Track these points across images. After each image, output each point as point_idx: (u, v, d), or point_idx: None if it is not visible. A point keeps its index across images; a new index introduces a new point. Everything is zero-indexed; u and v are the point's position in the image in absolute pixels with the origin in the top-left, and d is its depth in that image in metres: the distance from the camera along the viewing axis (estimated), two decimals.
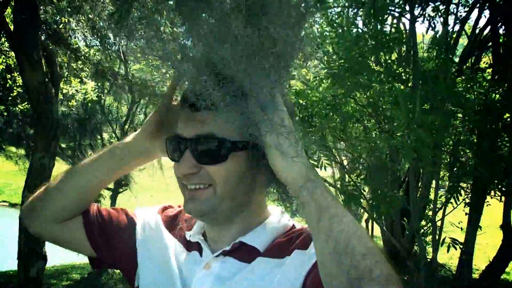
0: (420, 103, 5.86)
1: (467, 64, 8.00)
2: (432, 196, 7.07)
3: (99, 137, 11.56)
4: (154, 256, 1.39)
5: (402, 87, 6.20)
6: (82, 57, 6.45)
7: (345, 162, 9.40)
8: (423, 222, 7.54)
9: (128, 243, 1.44)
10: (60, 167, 13.93)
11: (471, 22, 8.78)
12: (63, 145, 11.12)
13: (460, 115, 6.75)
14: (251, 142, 1.17)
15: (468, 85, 6.43)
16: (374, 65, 6.51)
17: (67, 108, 10.20)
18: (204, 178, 1.21)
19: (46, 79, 4.22)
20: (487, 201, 7.41)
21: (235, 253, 1.28)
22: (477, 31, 8.24)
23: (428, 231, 7.28)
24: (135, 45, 1.21)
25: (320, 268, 1.04)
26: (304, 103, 7.01)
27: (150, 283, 1.36)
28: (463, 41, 9.07)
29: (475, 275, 8.20)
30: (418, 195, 7.45)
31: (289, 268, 1.20)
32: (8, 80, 10.07)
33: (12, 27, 4.26)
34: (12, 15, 4.71)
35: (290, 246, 1.25)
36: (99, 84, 9.79)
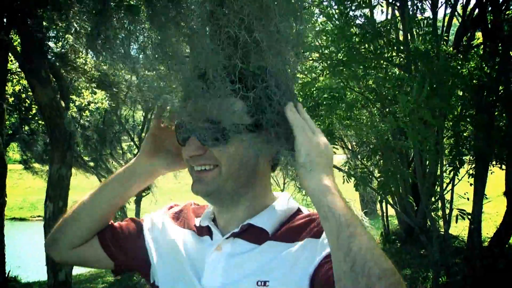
0: (420, 85, 6.10)
1: (463, 43, 8.19)
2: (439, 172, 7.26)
3: (118, 146, 12.00)
4: (165, 250, 1.45)
5: (397, 70, 6.41)
6: (87, 75, 6.78)
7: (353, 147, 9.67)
8: (434, 198, 7.73)
9: (139, 245, 1.51)
10: (84, 179, 14.40)
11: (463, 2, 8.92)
12: (86, 158, 11.63)
13: (460, 92, 6.94)
14: (254, 124, 1.23)
15: (461, 61, 6.61)
16: (368, 53, 6.70)
17: (86, 122, 10.66)
18: (209, 159, 1.26)
19: (57, 95, 4.56)
20: (491, 170, 7.60)
21: (245, 234, 1.31)
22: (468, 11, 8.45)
23: (439, 206, 7.46)
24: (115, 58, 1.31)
25: (336, 281, 1.08)
26: (309, 93, 7.28)
27: (164, 274, 1.43)
28: (457, 22, 9.24)
29: (486, 244, 8.40)
30: (426, 172, 7.68)
31: (300, 254, 1.23)
32: (26, 99, 10.49)
33: (19, 48, 4.64)
34: (18, 37, 5.06)
35: (301, 232, 1.27)
36: (109, 93, 10.11)
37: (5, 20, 4.45)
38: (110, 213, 1.54)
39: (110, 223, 1.57)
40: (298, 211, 1.39)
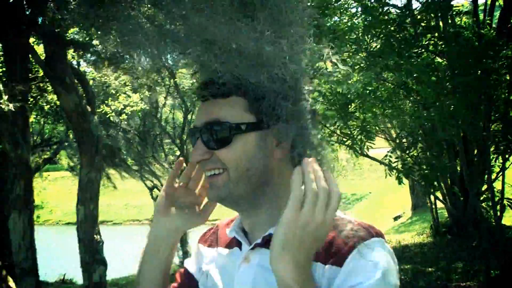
0: (448, 68, 5.92)
1: (508, 26, 7.91)
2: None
3: (160, 148, 12.20)
4: (208, 278, 1.41)
5: (425, 55, 6.25)
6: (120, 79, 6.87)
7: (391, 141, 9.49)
8: (482, 188, 7.51)
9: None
10: (136, 183, 14.65)
11: None
12: (130, 161, 11.85)
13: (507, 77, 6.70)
14: (258, 123, 1.19)
15: (505, 44, 6.36)
16: (405, 40, 6.56)
17: (126, 126, 10.92)
18: (216, 163, 1.23)
19: (82, 100, 4.62)
20: None
21: (269, 244, 1.18)
22: None
23: (489, 196, 7.24)
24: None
25: None
26: (342, 91, 7.18)
27: None
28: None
29: None
30: (473, 161, 7.46)
31: (321, 278, 1.15)
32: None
33: (42, 57, 4.75)
34: (42, 45, 5.16)
35: (323, 251, 1.17)
36: (147, 96, 10.31)
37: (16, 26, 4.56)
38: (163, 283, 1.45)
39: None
40: None
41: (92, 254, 4.67)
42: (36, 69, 7.53)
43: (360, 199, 30.08)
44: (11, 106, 3.95)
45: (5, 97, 4.32)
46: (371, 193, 29.17)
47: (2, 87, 4.62)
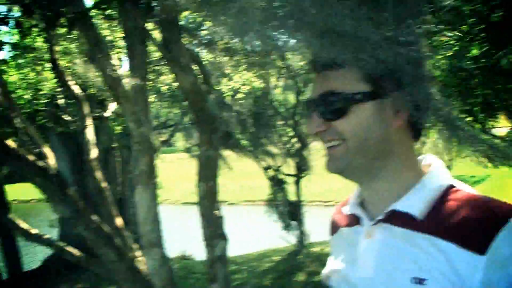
0: None
1: None
2: None
3: (274, 129, 12.33)
4: (333, 261, 1.39)
5: None
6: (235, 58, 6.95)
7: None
8: None
9: None
10: (250, 164, 14.88)
11: None
12: (244, 142, 12.09)
13: None
14: (373, 92, 1.17)
15: None
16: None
17: (240, 107, 11.14)
18: (334, 134, 1.21)
19: (199, 80, 4.76)
20: None
21: (392, 220, 1.20)
22: None
23: None
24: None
25: None
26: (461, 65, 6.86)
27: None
28: None
29: None
30: None
31: (456, 262, 1.06)
32: None
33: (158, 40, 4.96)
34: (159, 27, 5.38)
35: (454, 228, 1.09)
36: (260, 76, 10.43)
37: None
38: None
39: None
40: (450, 188, 1.19)
41: (213, 229, 4.80)
42: (151, 52, 7.88)
43: (479, 182, 28.64)
44: (133, 81, 4.17)
45: (127, 79, 4.56)
46: (491, 175, 27.60)
47: (123, 70, 4.89)
